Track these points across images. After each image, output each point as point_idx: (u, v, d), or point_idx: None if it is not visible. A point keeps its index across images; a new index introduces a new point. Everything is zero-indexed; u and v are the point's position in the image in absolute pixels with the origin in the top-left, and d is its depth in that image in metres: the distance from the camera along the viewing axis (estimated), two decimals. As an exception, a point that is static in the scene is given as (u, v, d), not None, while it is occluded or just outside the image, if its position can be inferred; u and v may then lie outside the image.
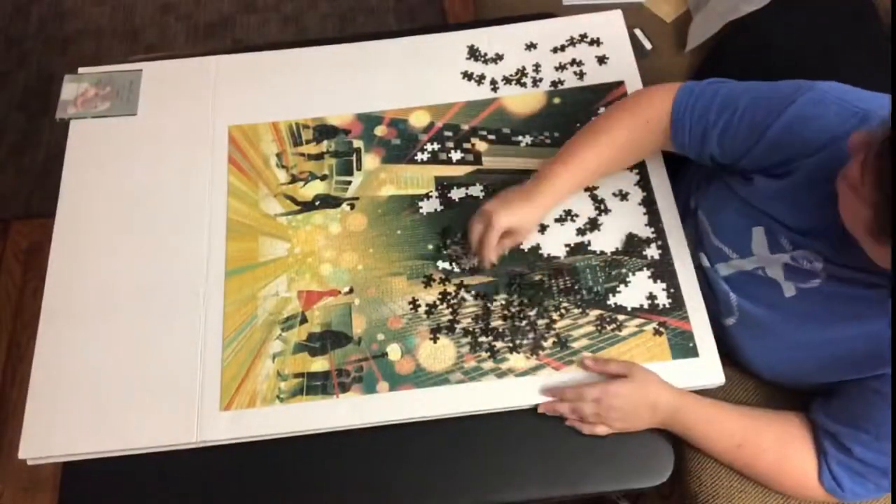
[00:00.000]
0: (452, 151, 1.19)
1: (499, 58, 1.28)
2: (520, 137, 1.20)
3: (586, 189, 1.15)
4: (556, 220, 1.13)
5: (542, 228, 1.12)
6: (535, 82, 1.25)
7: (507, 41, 1.30)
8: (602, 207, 1.14)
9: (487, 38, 1.30)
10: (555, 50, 1.28)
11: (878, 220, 0.74)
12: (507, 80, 1.26)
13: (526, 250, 1.11)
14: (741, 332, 1.04)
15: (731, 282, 1.05)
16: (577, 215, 1.13)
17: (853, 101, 0.89)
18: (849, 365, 0.93)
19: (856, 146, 0.76)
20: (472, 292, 1.08)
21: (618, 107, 1.10)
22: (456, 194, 1.16)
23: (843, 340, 0.93)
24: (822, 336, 0.95)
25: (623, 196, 1.14)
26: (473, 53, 1.29)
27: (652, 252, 1.10)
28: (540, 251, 1.11)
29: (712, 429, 0.98)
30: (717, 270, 1.07)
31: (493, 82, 1.26)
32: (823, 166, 0.89)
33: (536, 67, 1.27)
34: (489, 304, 1.07)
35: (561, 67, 1.26)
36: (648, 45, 1.52)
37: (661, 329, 1.04)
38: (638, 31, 1.52)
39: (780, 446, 0.97)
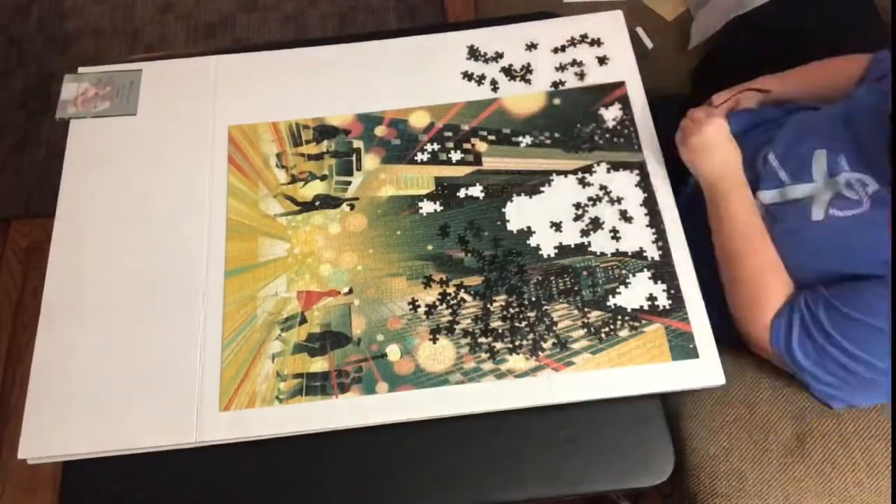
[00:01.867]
0: (452, 152, 1.19)
1: (499, 57, 1.28)
2: (520, 138, 1.20)
3: (585, 183, 1.15)
4: (555, 222, 1.13)
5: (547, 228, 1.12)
6: (536, 82, 1.25)
7: (507, 41, 1.29)
8: (603, 207, 1.14)
9: (488, 37, 1.30)
10: (555, 50, 1.28)
11: None
12: (508, 80, 1.25)
13: (527, 250, 1.11)
14: None
15: (774, 209, 1.07)
16: (578, 216, 1.13)
17: None
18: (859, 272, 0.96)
19: None
20: (472, 293, 1.08)
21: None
22: (456, 195, 1.16)
23: (859, 263, 0.97)
24: (842, 260, 0.99)
25: (624, 197, 1.14)
26: (474, 53, 1.28)
27: (652, 253, 1.10)
28: (540, 251, 1.11)
29: (733, 223, 1.05)
30: (759, 199, 1.09)
31: (494, 82, 1.25)
32: None
33: (536, 67, 1.26)
34: (489, 305, 1.07)
35: (561, 68, 1.26)
36: (650, 44, 1.52)
37: (661, 330, 1.04)
38: (639, 30, 1.52)
39: (762, 279, 1.03)
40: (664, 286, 1.07)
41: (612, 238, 1.11)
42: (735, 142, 1.09)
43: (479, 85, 1.25)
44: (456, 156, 1.19)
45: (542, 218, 1.13)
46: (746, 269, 1.04)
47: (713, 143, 1.08)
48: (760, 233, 1.04)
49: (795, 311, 0.98)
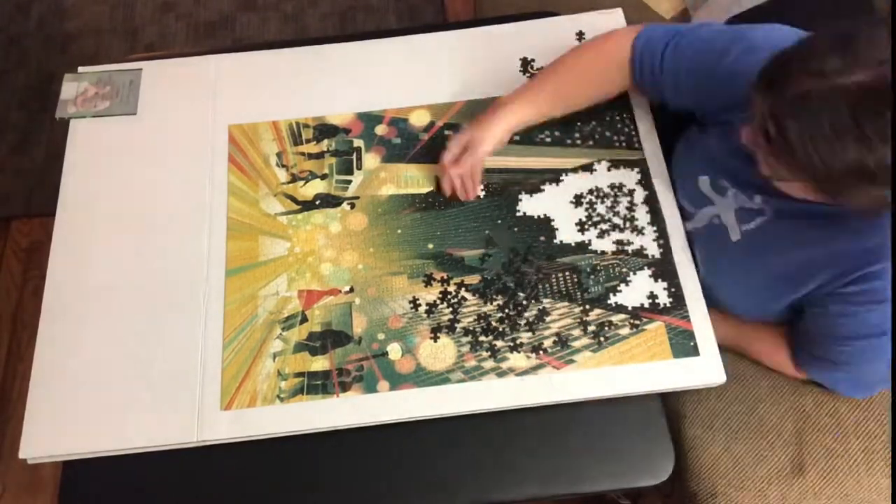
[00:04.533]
0: (453, 150, 1.19)
1: (501, 57, 1.28)
2: (519, 137, 1.20)
3: (586, 181, 1.15)
4: (556, 220, 1.13)
5: (546, 226, 1.12)
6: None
7: (507, 40, 1.29)
8: (604, 205, 1.14)
9: (488, 37, 1.30)
10: (555, 49, 1.28)
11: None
12: (510, 80, 1.25)
13: (528, 248, 1.11)
14: (710, 282, 1.07)
15: (694, 235, 1.10)
16: (578, 214, 1.13)
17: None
18: (796, 286, 0.98)
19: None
20: (473, 291, 1.08)
21: (584, 44, 1.16)
22: (456, 194, 1.15)
23: (788, 267, 0.98)
24: (769, 270, 1.01)
25: (625, 194, 1.14)
26: (475, 53, 1.28)
27: (653, 251, 1.10)
28: (541, 250, 1.10)
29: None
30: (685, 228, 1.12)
31: (495, 82, 1.25)
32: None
33: (536, 66, 1.26)
34: (489, 304, 1.07)
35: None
36: None
37: (662, 328, 1.04)
38: None
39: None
40: (665, 284, 1.07)
41: (613, 236, 1.11)
42: None
43: (479, 84, 1.24)
44: (456, 154, 1.19)
45: (543, 216, 1.13)
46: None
47: None
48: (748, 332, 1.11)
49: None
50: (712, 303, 1.06)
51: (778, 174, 0.84)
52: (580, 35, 1.28)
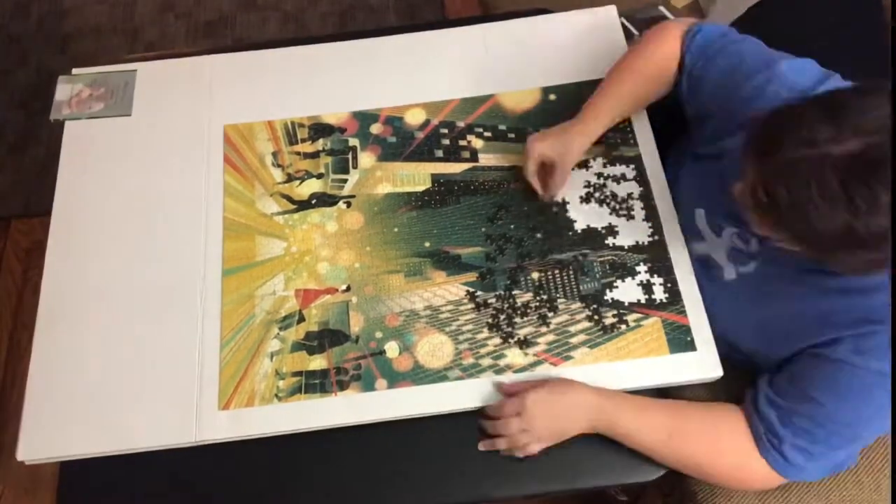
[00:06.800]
0: (448, 149, 1.19)
1: (495, 55, 1.27)
2: (515, 134, 1.20)
3: (582, 178, 1.15)
4: (552, 217, 1.13)
5: (539, 229, 1.12)
6: (531, 78, 1.25)
7: (503, 38, 1.29)
8: (599, 201, 1.14)
9: (484, 34, 1.30)
10: (551, 46, 1.28)
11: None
12: (504, 77, 1.25)
13: (524, 245, 1.11)
14: (708, 312, 1.06)
15: (698, 267, 1.08)
16: (574, 211, 1.13)
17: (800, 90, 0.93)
18: (782, 339, 0.94)
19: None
20: (470, 289, 1.08)
21: (637, 44, 1.15)
22: (453, 192, 1.16)
23: (775, 318, 0.95)
24: (759, 315, 0.98)
25: (620, 190, 1.14)
26: (470, 51, 1.28)
27: (648, 247, 1.09)
28: (537, 246, 1.10)
29: (639, 424, 0.96)
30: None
31: (490, 79, 1.25)
32: None
33: (533, 64, 1.26)
34: (486, 301, 1.07)
35: (556, 63, 1.26)
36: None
37: (659, 323, 1.04)
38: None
39: (711, 428, 0.95)
40: (661, 279, 1.07)
41: (609, 232, 1.11)
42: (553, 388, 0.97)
43: (474, 82, 1.24)
44: (452, 153, 1.19)
45: (539, 213, 1.13)
46: (693, 446, 0.96)
47: (555, 409, 0.96)
48: (666, 407, 0.98)
49: (779, 438, 0.91)
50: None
51: (767, 233, 0.83)
52: (578, 33, 1.28)
